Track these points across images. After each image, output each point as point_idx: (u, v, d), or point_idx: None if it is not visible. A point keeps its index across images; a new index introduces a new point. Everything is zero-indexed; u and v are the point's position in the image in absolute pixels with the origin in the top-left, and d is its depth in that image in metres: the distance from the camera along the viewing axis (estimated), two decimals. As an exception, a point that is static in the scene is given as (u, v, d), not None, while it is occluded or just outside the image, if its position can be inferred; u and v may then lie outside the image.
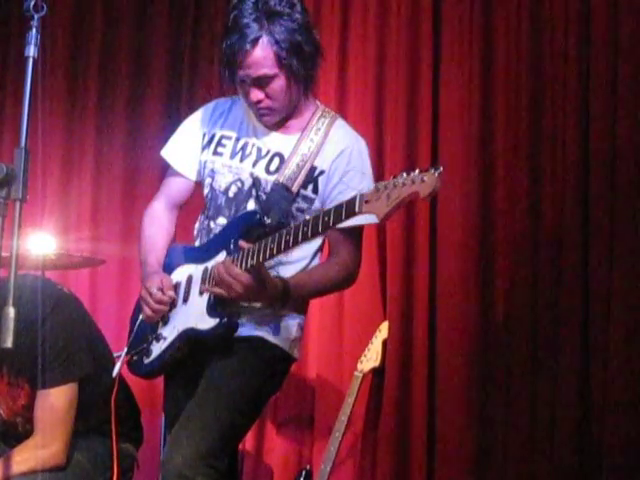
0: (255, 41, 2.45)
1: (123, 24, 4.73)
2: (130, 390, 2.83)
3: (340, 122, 2.66)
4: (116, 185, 4.63)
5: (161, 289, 2.55)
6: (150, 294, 2.55)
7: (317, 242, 2.62)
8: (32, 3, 2.02)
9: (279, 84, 2.52)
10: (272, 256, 2.41)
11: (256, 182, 2.59)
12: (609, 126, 3.53)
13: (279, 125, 2.64)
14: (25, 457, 2.48)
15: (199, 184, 2.77)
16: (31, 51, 2.05)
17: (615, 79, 3.54)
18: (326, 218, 2.29)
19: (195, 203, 2.85)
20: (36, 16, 2.02)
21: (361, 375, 3.70)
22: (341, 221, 2.28)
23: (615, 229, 3.50)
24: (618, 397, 3.42)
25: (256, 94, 2.53)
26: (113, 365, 2.60)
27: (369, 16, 4.08)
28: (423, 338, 3.80)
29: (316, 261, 2.66)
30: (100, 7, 4.75)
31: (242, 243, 2.45)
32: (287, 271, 2.58)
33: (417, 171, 2.15)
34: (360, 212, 2.21)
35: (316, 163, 2.58)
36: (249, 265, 2.41)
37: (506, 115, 3.77)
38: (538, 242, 3.68)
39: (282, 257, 2.53)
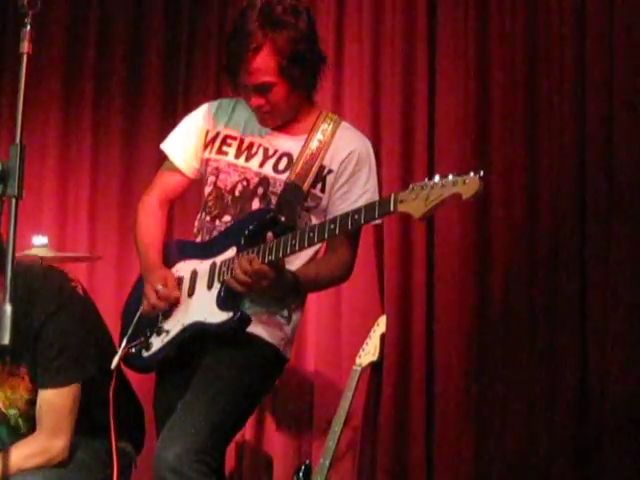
0: (257, 49, 2.48)
1: (119, 20, 4.72)
2: (133, 392, 2.81)
3: (345, 124, 2.70)
4: (113, 181, 4.63)
5: (166, 286, 2.56)
6: (155, 290, 2.55)
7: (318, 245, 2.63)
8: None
9: (279, 92, 2.55)
10: (293, 252, 2.43)
11: (263, 181, 2.60)
12: (606, 113, 3.55)
13: (284, 127, 2.66)
14: (29, 453, 2.47)
15: (193, 182, 2.78)
16: (25, 47, 2.02)
17: (612, 69, 3.54)
18: (356, 216, 2.34)
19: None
20: (30, 12, 1.99)
21: (359, 369, 3.70)
22: (374, 219, 2.35)
23: (612, 217, 3.50)
24: (616, 381, 3.43)
25: (257, 100, 2.56)
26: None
27: (364, 14, 4.09)
28: (421, 331, 3.80)
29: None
30: (95, 4, 4.75)
31: (269, 236, 2.47)
32: (292, 266, 2.59)
33: (454, 174, 2.22)
34: (395, 211, 2.27)
35: (324, 162, 2.61)
36: (267, 260, 2.43)
37: (502, 110, 3.78)
38: (535, 232, 3.68)
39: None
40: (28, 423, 2.56)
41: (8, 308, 1.89)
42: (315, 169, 2.59)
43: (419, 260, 3.83)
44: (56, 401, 2.48)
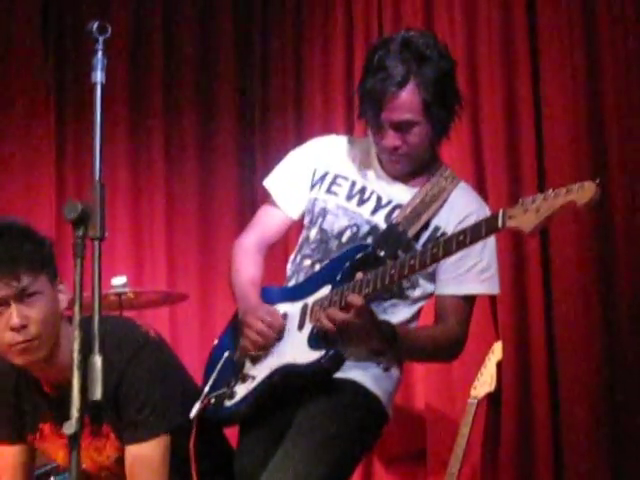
0: (403, 83, 2.39)
1: (185, 49, 4.67)
2: (227, 441, 2.72)
3: (463, 185, 2.60)
4: (190, 221, 4.61)
5: (271, 316, 2.47)
6: (262, 320, 2.44)
7: (417, 306, 2.53)
8: (95, 25, 1.91)
9: (420, 132, 2.44)
10: (392, 282, 2.32)
11: (374, 230, 2.50)
12: None
13: (403, 177, 2.56)
14: None
15: (295, 223, 2.69)
16: (98, 77, 1.94)
17: None
18: (461, 237, 2.21)
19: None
20: (100, 39, 1.93)
21: (476, 402, 3.56)
22: (480, 238, 2.21)
23: None
24: None
25: (394, 139, 2.45)
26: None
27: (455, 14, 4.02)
28: (541, 357, 3.67)
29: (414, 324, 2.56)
30: (159, 29, 4.69)
31: (359, 275, 2.37)
32: None
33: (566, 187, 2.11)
34: (503, 227, 2.15)
35: (436, 221, 2.51)
36: (364, 293, 2.32)
37: (618, 113, 3.65)
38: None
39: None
40: None
41: (98, 359, 1.82)
42: (421, 222, 2.47)
43: (534, 278, 3.71)
44: (147, 455, 2.44)
